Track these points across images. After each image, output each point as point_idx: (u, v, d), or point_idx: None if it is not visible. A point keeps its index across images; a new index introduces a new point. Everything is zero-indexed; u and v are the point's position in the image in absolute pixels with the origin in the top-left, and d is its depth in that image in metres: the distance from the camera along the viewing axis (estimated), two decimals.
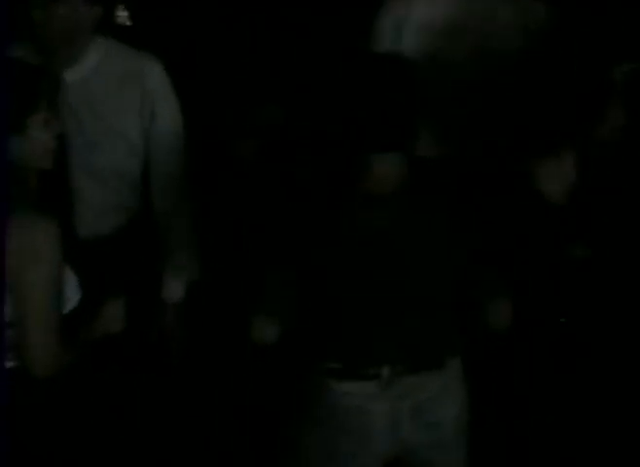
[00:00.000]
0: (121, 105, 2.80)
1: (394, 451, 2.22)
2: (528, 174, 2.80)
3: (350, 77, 2.01)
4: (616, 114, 3.22)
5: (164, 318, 3.11)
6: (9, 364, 2.01)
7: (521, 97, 3.27)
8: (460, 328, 2.26)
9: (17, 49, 2.49)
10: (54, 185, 2.50)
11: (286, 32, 4.09)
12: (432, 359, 2.16)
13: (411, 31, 3.16)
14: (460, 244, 2.10)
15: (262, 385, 3.35)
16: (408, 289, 2.07)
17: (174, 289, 3.01)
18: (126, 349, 2.87)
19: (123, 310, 2.39)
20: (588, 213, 3.12)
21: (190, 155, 3.00)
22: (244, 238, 3.36)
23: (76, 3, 2.57)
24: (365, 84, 1.96)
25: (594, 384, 3.43)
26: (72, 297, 2.21)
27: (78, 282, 2.21)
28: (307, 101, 3.49)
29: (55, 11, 2.55)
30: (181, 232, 2.94)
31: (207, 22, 4.23)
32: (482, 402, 2.72)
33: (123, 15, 4.79)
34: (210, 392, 3.45)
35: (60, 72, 2.67)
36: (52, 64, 2.58)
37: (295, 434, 2.32)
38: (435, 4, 3.18)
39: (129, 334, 2.53)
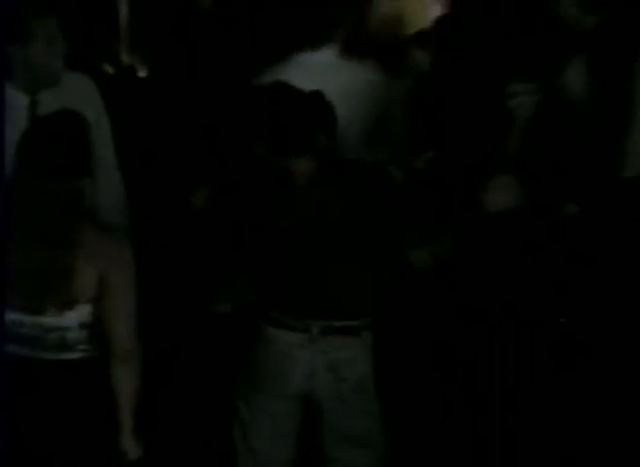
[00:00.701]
0: None
1: (304, 394, 2.79)
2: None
3: (264, 109, 2.78)
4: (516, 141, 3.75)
5: None
6: (79, 355, 2.41)
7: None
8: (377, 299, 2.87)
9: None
10: None
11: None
12: (351, 327, 2.75)
13: None
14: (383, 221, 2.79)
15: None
16: (335, 264, 2.71)
17: None
18: None
19: None
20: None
21: None
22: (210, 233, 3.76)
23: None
24: (276, 111, 2.72)
25: (592, 383, 3.55)
26: None
27: None
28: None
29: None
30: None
31: None
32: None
33: None
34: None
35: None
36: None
37: (240, 374, 2.93)
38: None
39: None
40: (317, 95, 2.79)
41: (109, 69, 4.68)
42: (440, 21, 4.49)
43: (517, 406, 3.55)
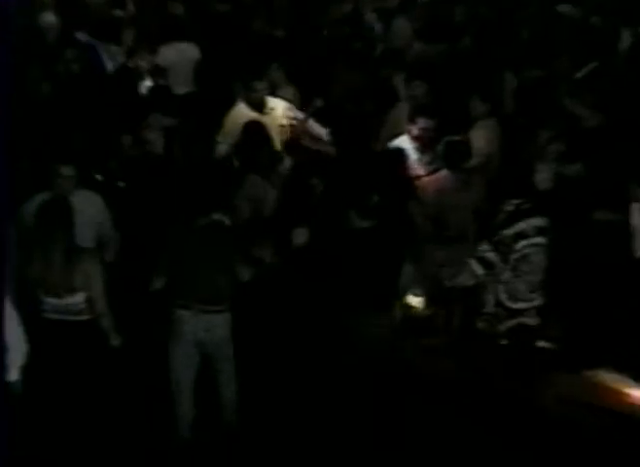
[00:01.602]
0: None
1: (197, 346, 5.06)
2: None
3: None
4: None
5: None
6: (84, 318, 4.87)
7: None
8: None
9: None
10: None
11: None
12: (218, 308, 5.06)
13: None
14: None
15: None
16: (206, 270, 4.98)
17: None
18: None
19: None
20: None
21: None
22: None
23: None
24: None
25: None
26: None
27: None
28: None
29: None
30: None
31: None
32: None
33: None
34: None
35: None
36: None
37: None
38: None
39: None
40: None
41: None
42: None
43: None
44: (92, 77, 7.79)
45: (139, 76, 7.76)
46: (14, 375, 4.81)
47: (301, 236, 5.80)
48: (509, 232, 5.64)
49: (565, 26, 9.69)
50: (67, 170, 5.59)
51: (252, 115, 6.65)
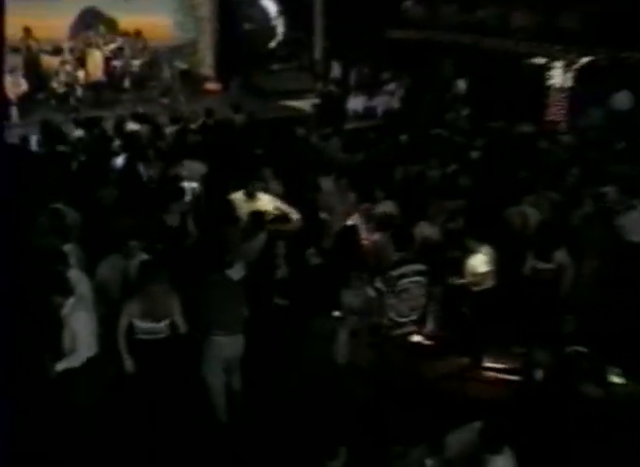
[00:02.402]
0: None
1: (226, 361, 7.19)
2: None
3: None
4: None
5: None
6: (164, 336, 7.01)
7: None
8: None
9: None
10: None
11: None
12: (239, 332, 7.19)
13: None
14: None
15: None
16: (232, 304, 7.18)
17: None
18: None
19: None
20: None
21: None
22: None
23: None
24: None
25: None
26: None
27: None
28: None
29: None
30: None
31: None
32: None
33: None
34: None
35: None
36: None
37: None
38: None
39: None
40: None
41: None
42: None
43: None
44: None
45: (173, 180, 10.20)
46: (75, 361, 6.51)
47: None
48: (394, 273, 7.38)
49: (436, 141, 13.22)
50: (134, 243, 7.63)
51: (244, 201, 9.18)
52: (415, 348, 7.87)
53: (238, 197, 9.51)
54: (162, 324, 6.94)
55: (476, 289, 8.32)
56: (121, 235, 7.89)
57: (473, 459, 5.31)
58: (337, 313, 7.50)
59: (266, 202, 9.42)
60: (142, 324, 6.89)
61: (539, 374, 6.86)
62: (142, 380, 6.94)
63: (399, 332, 7.53)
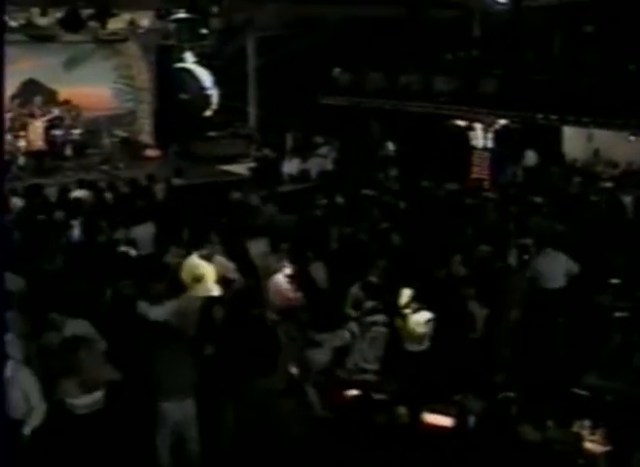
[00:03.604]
0: None
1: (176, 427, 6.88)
2: None
3: None
4: None
5: None
6: None
7: None
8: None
9: None
10: None
11: None
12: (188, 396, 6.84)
13: None
14: None
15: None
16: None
17: None
18: None
19: None
20: None
21: None
22: None
23: None
24: None
25: None
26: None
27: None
28: None
29: None
30: None
31: None
32: None
33: None
34: None
35: None
36: None
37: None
38: None
39: None
40: None
41: None
42: None
43: None
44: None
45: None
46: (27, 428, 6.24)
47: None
48: (367, 320, 7.65)
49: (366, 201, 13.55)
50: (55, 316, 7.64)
51: (202, 263, 9.23)
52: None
53: (195, 258, 9.49)
54: (98, 395, 6.62)
55: (413, 349, 8.21)
56: (66, 304, 7.80)
57: None
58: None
59: (216, 265, 9.47)
60: (77, 401, 6.55)
61: (472, 420, 6.94)
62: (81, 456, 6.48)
63: (360, 377, 7.56)
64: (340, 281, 9.33)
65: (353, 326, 7.60)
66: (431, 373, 7.97)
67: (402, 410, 7.83)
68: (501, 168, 17.00)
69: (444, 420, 7.71)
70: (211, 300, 8.41)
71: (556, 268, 9.69)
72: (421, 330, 8.21)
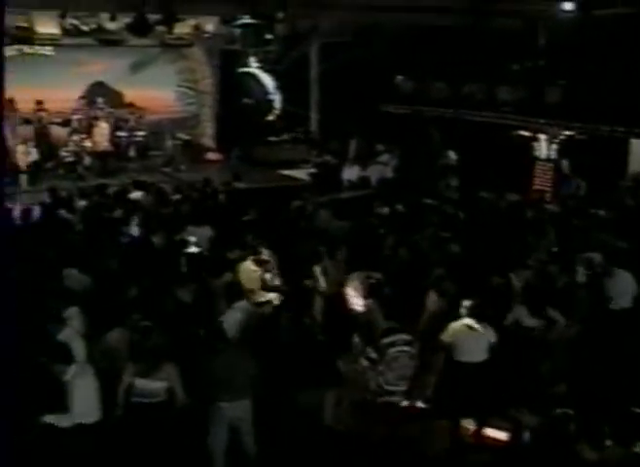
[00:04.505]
0: None
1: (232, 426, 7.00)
2: None
3: None
4: None
5: None
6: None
7: None
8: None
9: None
10: None
11: None
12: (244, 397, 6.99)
13: None
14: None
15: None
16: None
17: None
18: None
19: None
20: None
21: None
22: None
23: None
24: None
25: None
26: None
27: None
28: None
29: None
30: None
31: None
32: None
33: None
34: None
35: None
36: None
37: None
38: None
39: None
40: None
41: None
42: None
43: None
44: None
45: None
46: (65, 421, 6.40)
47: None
48: (384, 342, 7.26)
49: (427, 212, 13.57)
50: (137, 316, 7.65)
51: (257, 269, 9.42)
52: (403, 413, 7.68)
53: (247, 264, 9.62)
54: (159, 385, 6.85)
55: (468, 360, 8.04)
56: (126, 306, 7.98)
57: None
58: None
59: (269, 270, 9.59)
60: (140, 382, 6.81)
61: (527, 435, 6.81)
62: (139, 446, 6.77)
63: (385, 399, 7.34)
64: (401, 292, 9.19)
65: (370, 351, 7.32)
66: (486, 385, 7.84)
67: (443, 423, 7.99)
68: (564, 181, 16.70)
69: (499, 434, 7.74)
70: (275, 307, 8.67)
71: (622, 287, 9.50)
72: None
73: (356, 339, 7.62)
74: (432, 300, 8.91)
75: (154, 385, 6.82)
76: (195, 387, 7.00)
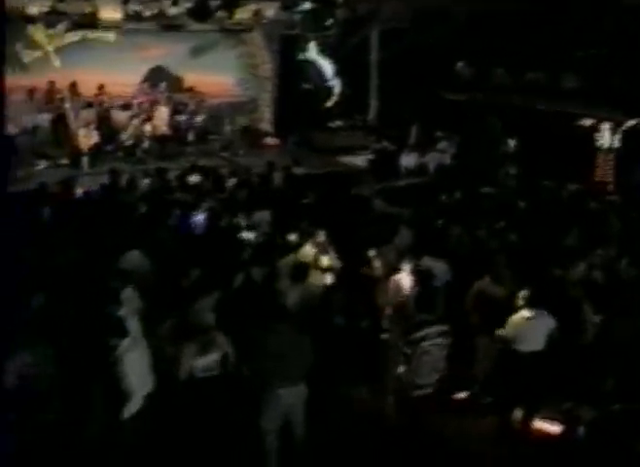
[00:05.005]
0: None
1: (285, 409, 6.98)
2: None
3: None
4: None
5: None
6: None
7: None
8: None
9: None
10: None
11: None
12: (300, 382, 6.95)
13: None
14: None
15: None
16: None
17: None
18: None
19: None
20: None
21: None
22: None
23: None
24: None
25: None
26: None
27: None
28: None
29: None
30: None
31: None
32: None
33: None
34: None
35: None
36: None
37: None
38: None
39: None
40: None
41: None
42: None
43: None
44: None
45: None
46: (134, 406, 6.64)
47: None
48: (417, 335, 7.27)
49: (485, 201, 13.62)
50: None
51: (315, 252, 9.40)
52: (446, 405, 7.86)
53: (306, 247, 9.70)
54: (215, 358, 7.06)
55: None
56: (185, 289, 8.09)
57: None
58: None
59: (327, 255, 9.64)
60: (196, 362, 6.97)
61: (581, 430, 6.75)
62: (196, 418, 6.94)
63: (419, 393, 7.42)
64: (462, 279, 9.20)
65: (403, 347, 7.35)
66: (542, 375, 7.74)
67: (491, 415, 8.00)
68: (628, 171, 16.34)
69: (553, 428, 7.69)
70: (330, 290, 8.62)
71: None
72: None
73: (390, 331, 7.81)
74: (485, 282, 8.76)
75: (210, 359, 7.02)
76: (252, 367, 7.14)
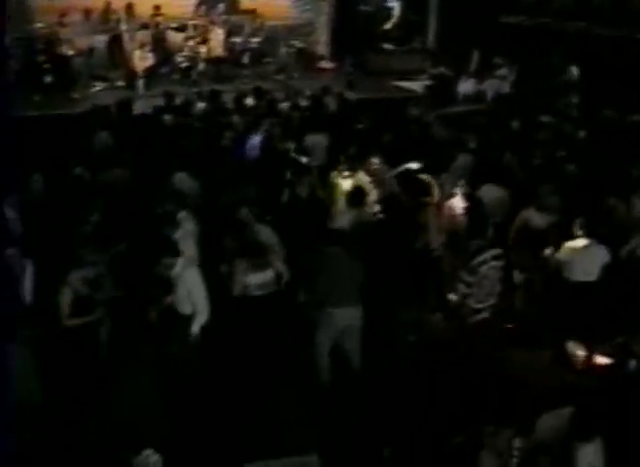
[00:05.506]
0: None
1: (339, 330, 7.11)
2: None
3: None
4: None
5: None
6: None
7: None
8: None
9: None
10: None
11: None
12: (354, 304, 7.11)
13: None
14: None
15: None
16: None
17: None
18: None
19: None
20: None
21: None
22: None
23: None
24: None
25: None
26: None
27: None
28: None
29: None
30: None
31: None
32: None
33: None
34: None
35: None
36: None
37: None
38: None
39: None
40: None
41: None
42: None
43: None
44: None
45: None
46: (195, 326, 6.74)
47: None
48: (476, 261, 7.15)
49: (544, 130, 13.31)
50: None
51: (367, 180, 9.32)
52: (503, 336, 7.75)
53: (360, 174, 9.57)
54: (269, 275, 7.15)
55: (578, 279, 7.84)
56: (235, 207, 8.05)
57: (562, 445, 5.17)
58: None
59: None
60: (251, 278, 7.06)
61: (633, 364, 6.66)
62: (249, 336, 7.00)
63: (477, 318, 7.33)
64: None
65: (465, 275, 7.18)
66: (596, 307, 7.59)
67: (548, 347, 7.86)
68: None
69: (603, 360, 7.63)
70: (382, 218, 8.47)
71: None
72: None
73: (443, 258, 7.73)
74: (529, 212, 8.56)
75: (264, 276, 7.11)
76: (306, 287, 7.22)
